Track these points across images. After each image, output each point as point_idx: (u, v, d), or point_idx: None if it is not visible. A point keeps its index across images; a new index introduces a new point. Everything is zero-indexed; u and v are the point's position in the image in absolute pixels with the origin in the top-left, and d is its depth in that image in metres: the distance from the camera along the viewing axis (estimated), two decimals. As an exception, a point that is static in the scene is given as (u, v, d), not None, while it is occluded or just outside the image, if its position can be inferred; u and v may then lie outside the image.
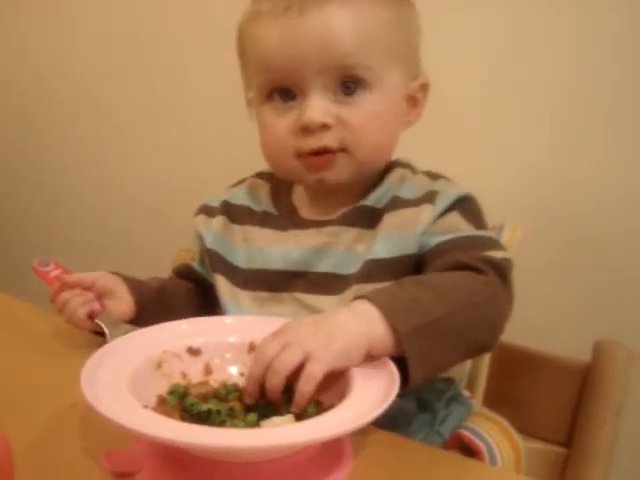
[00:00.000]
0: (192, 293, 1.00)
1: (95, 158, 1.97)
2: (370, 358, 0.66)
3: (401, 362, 0.65)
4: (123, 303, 0.91)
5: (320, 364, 0.62)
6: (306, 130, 0.82)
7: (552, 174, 1.24)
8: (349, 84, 0.82)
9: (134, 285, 0.93)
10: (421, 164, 0.93)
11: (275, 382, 0.62)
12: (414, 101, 0.90)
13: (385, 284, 0.74)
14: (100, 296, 0.90)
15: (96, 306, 0.88)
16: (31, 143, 2.12)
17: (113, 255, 1.94)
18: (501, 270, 0.75)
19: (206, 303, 0.98)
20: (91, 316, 0.87)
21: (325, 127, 0.82)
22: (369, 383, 0.62)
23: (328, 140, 0.83)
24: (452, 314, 0.69)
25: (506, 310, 0.75)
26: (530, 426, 0.98)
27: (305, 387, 0.61)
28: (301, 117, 0.82)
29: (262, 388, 0.64)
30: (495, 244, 0.81)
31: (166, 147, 1.80)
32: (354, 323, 0.66)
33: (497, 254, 0.78)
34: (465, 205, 0.84)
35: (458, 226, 0.82)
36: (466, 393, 0.96)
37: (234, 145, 1.58)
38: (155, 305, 0.94)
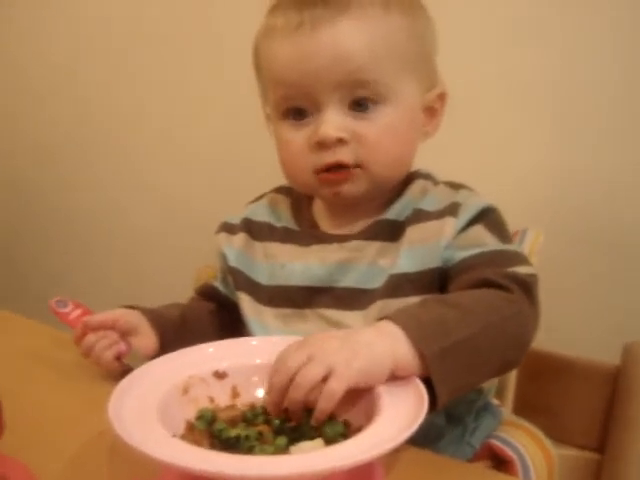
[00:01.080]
0: (214, 316, 0.99)
1: (104, 180, 1.98)
2: (396, 377, 0.65)
3: (427, 382, 0.65)
4: (147, 339, 0.91)
5: (341, 382, 0.61)
6: (321, 145, 0.82)
7: (576, 176, 1.22)
8: (363, 99, 0.82)
9: (155, 318, 0.92)
10: (439, 172, 0.92)
11: (297, 396, 0.62)
12: (432, 111, 0.90)
13: (411, 299, 0.74)
14: (124, 334, 0.89)
15: (122, 346, 0.87)
16: (47, 173, 2.13)
17: (125, 278, 1.95)
18: (526, 286, 0.75)
19: (230, 323, 0.97)
20: (118, 357, 0.87)
21: (340, 142, 0.82)
22: (397, 403, 0.62)
23: (343, 155, 0.82)
24: (478, 334, 0.68)
25: (532, 327, 0.75)
26: (561, 432, 0.97)
27: (325, 404, 0.61)
28: (316, 132, 0.82)
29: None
30: (520, 259, 0.80)
31: (175, 163, 1.80)
32: (379, 343, 0.65)
33: (522, 270, 0.77)
34: (488, 217, 0.83)
35: (483, 240, 0.81)
36: (495, 402, 0.95)
37: (244, 162, 1.59)
38: (178, 335, 0.93)
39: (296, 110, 0.85)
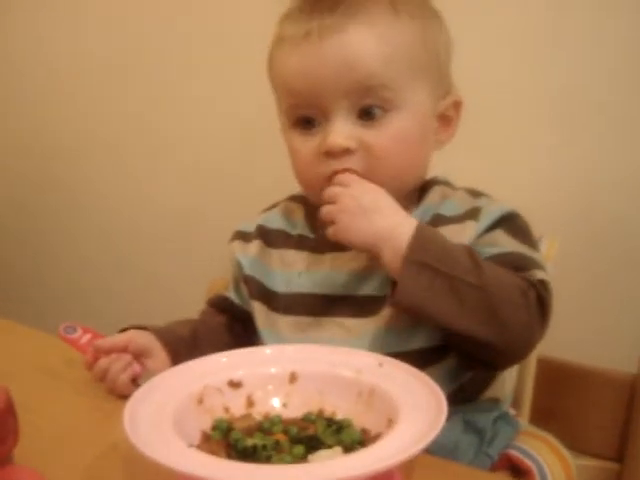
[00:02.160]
0: (226, 329, 0.98)
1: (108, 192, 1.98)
2: (414, 384, 0.64)
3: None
4: (160, 359, 0.88)
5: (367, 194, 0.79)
6: (330, 155, 0.82)
7: (590, 183, 1.22)
8: (372, 107, 0.82)
9: (166, 338, 0.90)
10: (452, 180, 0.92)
11: (335, 192, 0.80)
12: (446, 120, 0.89)
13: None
14: (136, 356, 0.87)
15: (136, 368, 0.85)
16: (53, 186, 2.13)
17: (136, 291, 1.94)
18: (538, 292, 0.75)
19: (243, 335, 0.96)
20: (133, 379, 0.85)
21: (348, 151, 0.82)
22: (416, 410, 0.61)
23: (351, 164, 0.82)
24: (469, 285, 0.73)
25: (532, 329, 0.75)
26: (579, 442, 0.96)
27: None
28: (324, 141, 0.82)
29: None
30: (536, 264, 0.79)
31: (186, 174, 1.80)
32: (391, 215, 0.78)
33: (535, 274, 0.77)
34: (510, 222, 0.83)
35: (502, 242, 0.81)
36: (512, 412, 0.94)
37: (255, 172, 1.59)
38: (190, 353, 0.89)
39: (305, 119, 0.85)
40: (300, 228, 0.95)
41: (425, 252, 0.74)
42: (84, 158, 2.00)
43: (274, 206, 1.01)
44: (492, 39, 1.25)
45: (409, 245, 0.74)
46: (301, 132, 0.85)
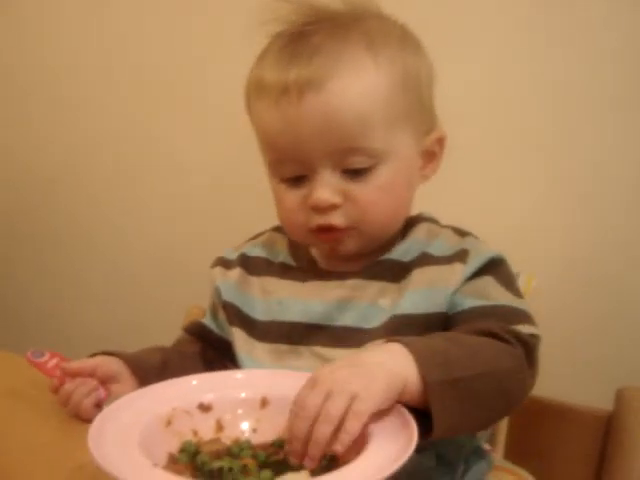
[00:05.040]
0: (199, 357, 0.97)
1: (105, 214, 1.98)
2: (387, 411, 0.64)
3: (422, 414, 0.64)
4: (127, 386, 0.86)
5: (367, 403, 0.61)
6: (315, 209, 0.82)
7: (565, 219, 1.23)
8: (356, 164, 0.81)
9: (135, 364, 0.89)
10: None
11: (326, 431, 0.60)
12: (430, 155, 0.89)
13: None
14: (103, 382, 0.85)
15: (101, 394, 0.84)
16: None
17: (114, 318, 1.93)
18: (528, 347, 0.74)
19: (216, 364, 0.95)
20: (98, 404, 0.83)
21: (334, 206, 0.82)
22: (387, 437, 0.61)
23: (335, 219, 0.82)
24: (477, 378, 0.68)
25: (527, 386, 0.75)
26: (553, 478, 0.95)
27: (352, 424, 0.60)
28: (310, 196, 0.82)
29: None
30: (525, 317, 0.80)
31: (165, 202, 1.80)
32: (390, 362, 0.65)
33: (525, 329, 0.77)
34: (498, 269, 0.83)
35: (491, 291, 0.81)
36: (486, 446, 0.93)
37: (236, 202, 1.59)
38: (159, 380, 0.90)
39: (292, 177, 0.84)
40: (282, 257, 0.95)
41: (432, 367, 0.65)
42: (58, 188, 2.01)
43: (258, 236, 1.01)
44: (474, 68, 1.27)
45: (419, 369, 0.65)
46: (287, 185, 0.85)
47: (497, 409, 0.73)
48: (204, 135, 1.68)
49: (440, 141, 0.89)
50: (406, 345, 0.66)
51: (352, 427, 0.60)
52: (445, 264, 0.83)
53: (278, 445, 0.67)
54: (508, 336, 0.73)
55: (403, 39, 0.86)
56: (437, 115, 0.90)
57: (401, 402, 0.64)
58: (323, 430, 0.60)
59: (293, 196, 0.84)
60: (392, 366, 0.64)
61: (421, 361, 0.65)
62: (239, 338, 0.91)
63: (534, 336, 0.77)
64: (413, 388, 0.64)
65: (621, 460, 0.91)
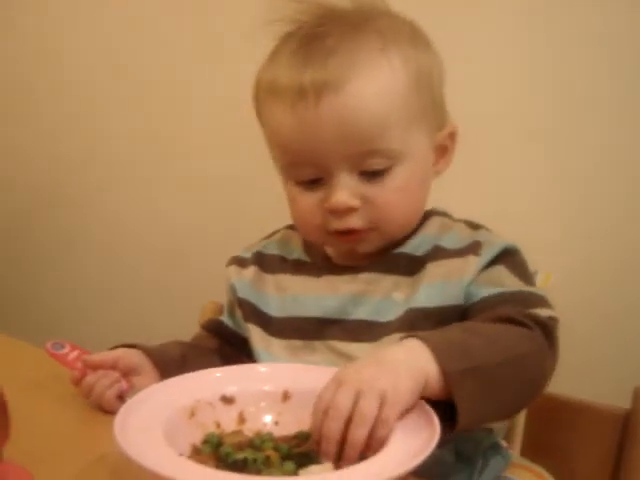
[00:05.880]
0: (217, 354, 0.97)
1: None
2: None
3: (443, 407, 0.64)
4: (149, 378, 0.86)
5: (394, 408, 0.61)
6: (333, 212, 0.82)
7: (583, 214, 1.23)
8: (374, 166, 0.81)
9: (157, 357, 0.89)
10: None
11: (363, 434, 0.60)
12: (443, 150, 0.89)
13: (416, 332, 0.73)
14: (125, 374, 0.86)
15: (124, 385, 0.84)
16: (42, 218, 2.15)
17: (130, 314, 1.94)
18: (547, 328, 0.74)
19: (235, 358, 0.94)
20: (120, 396, 0.83)
21: (352, 209, 0.81)
22: (409, 431, 0.61)
23: (355, 222, 0.82)
24: (498, 365, 0.68)
25: (550, 369, 0.75)
26: (570, 476, 0.95)
27: (381, 432, 0.60)
28: (328, 200, 0.82)
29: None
30: (542, 301, 0.80)
31: (180, 194, 1.81)
32: (413, 359, 0.65)
33: (543, 312, 0.77)
34: (511, 258, 0.83)
35: (504, 280, 0.81)
36: (504, 443, 0.93)
37: (251, 198, 1.60)
38: (180, 373, 0.90)
39: (308, 180, 0.84)
40: (297, 254, 0.95)
41: (452, 359, 0.66)
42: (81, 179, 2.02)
43: (273, 234, 1.01)
44: (485, 65, 1.27)
45: (438, 362, 0.65)
46: (302, 187, 0.85)
47: (521, 394, 0.73)
48: (215, 128, 1.69)
49: (452, 135, 0.90)
50: (423, 340, 0.67)
51: (381, 433, 0.60)
52: (459, 257, 0.83)
53: (301, 438, 0.67)
54: (526, 320, 0.73)
55: (414, 37, 0.86)
56: (447, 110, 0.90)
57: (424, 397, 0.64)
58: (360, 433, 0.60)
59: (309, 199, 0.84)
60: (414, 362, 0.65)
61: (439, 354, 0.65)
62: (255, 334, 0.92)
63: (552, 318, 0.77)
64: (434, 381, 0.65)
65: (638, 458, 0.91)
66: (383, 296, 0.85)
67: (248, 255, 0.98)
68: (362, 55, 0.80)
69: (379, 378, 0.62)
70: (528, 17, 1.24)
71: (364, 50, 0.80)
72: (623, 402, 0.94)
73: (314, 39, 0.81)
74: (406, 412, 0.63)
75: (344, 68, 0.79)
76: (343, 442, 0.60)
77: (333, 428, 0.61)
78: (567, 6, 1.20)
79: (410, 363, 0.64)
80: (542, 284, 0.96)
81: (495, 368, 0.68)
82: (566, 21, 1.21)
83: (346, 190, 0.81)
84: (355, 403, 0.61)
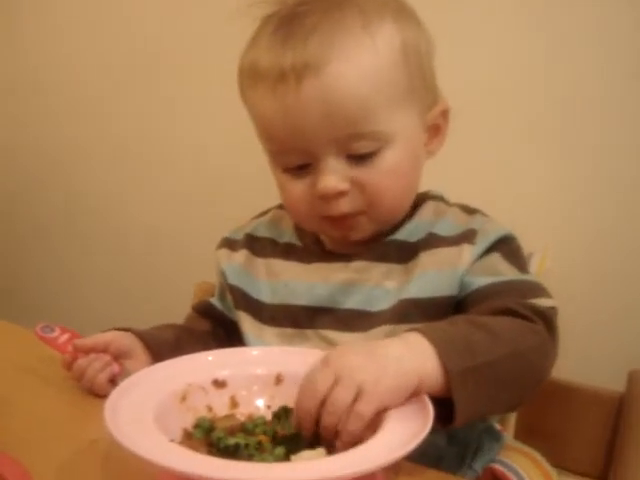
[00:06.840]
0: (210, 336, 0.96)
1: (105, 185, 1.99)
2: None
3: (443, 401, 0.64)
4: (141, 362, 0.85)
5: (370, 404, 0.60)
6: (323, 198, 0.80)
7: (579, 197, 1.23)
8: (361, 149, 0.79)
9: (149, 340, 0.88)
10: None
11: (330, 422, 0.60)
12: (435, 129, 0.87)
13: (420, 325, 0.72)
14: (117, 357, 0.85)
15: (115, 369, 0.83)
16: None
17: (122, 294, 1.94)
18: (547, 319, 0.73)
19: (226, 342, 0.94)
20: (112, 379, 0.83)
21: (342, 193, 0.79)
22: (403, 416, 0.61)
23: (345, 206, 0.80)
24: (502, 360, 0.67)
25: (551, 361, 0.75)
26: (564, 459, 0.95)
27: (353, 427, 0.60)
28: (316, 185, 0.80)
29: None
30: (540, 290, 0.79)
31: (174, 170, 1.81)
32: (408, 359, 0.64)
33: (542, 302, 0.76)
34: (506, 246, 0.82)
35: (500, 269, 0.80)
36: (497, 426, 0.93)
37: (245, 176, 1.59)
38: (172, 356, 0.89)
39: (295, 167, 0.82)
40: (288, 236, 0.94)
41: (455, 357, 0.65)
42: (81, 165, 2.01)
43: (264, 214, 0.99)
44: (482, 46, 1.27)
45: (440, 361, 0.64)
46: (291, 175, 0.83)
47: (524, 388, 0.73)
48: (209, 116, 1.69)
49: (444, 114, 0.87)
50: (425, 334, 0.66)
51: (353, 426, 0.60)
52: (453, 245, 0.82)
53: (282, 414, 0.67)
54: (527, 312, 0.72)
55: (399, 12, 0.82)
56: (439, 87, 0.87)
57: (422, 393, 0.64)
58: (329, 420, 0.60)
59: (299, 185, 0.82)
60: (408, 361, 0.63)
61: (442, 350, 0.64)
62: (246, 321, 0.91)
63: (551, 308, 0.76)
64: (433, 379, 0.64)
65: (632, 441, 0.91)
66: (375, 285, 0.84)
67: (239, 237, 0.97)
68: (343, 34, 0.77)
69: (363, 370, 0.61)
70: (528, 16, 1.24)
71: (345, 28, 0.77)
72: (618, 386, 0.94)
73: (294, 19, 0.79)
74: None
75: (324, 48, 0.76)
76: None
77: (307, 404, 0.61)
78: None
79: (403, 362, 0.63)
80: (538, 267, 0.95)
81: (498, 365, 0.67)
82: (566, 21, 1.20)
83: (334, 174, 0.79)
84: (331, 388, 0.61)
